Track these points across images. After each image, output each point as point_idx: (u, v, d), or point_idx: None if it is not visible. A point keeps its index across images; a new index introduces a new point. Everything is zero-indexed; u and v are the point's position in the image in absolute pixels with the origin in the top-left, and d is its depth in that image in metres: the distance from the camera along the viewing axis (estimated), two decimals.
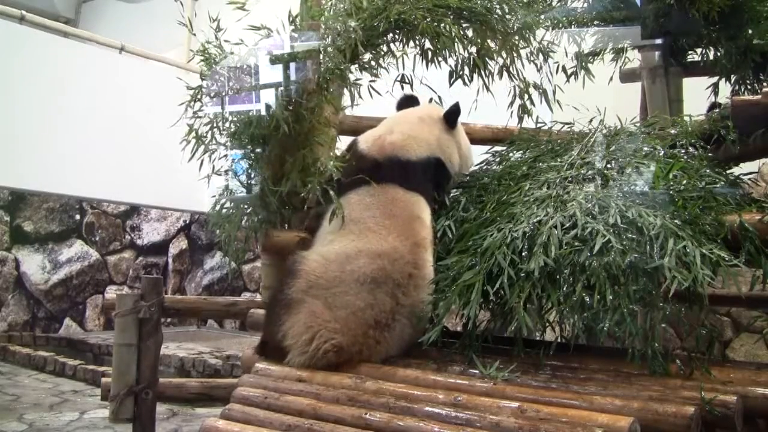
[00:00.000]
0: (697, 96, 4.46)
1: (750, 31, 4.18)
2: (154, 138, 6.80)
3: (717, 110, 3.65)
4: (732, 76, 4.32)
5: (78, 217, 10.39)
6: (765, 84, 4.12)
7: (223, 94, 3.87)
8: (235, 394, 3.19)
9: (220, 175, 3.92)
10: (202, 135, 3.82)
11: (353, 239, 3.29)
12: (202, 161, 3.82)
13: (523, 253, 2.77)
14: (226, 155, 3.88)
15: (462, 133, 3.90)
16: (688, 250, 2.61)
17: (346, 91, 3.92)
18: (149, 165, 7.17)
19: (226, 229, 3.88)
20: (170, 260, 11.04)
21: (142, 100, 7.24)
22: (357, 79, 3.97)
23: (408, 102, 3.99)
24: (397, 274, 3.17)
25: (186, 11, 4.11)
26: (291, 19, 3.85)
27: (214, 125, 3.83)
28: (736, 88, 4.30)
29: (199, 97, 3.87)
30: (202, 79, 3.88)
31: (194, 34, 4.04)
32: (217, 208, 3.91)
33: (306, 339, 3.14)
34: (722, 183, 3.11)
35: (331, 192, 3.41)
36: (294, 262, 3.35)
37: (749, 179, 3.42)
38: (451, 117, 3.78)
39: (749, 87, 4.25)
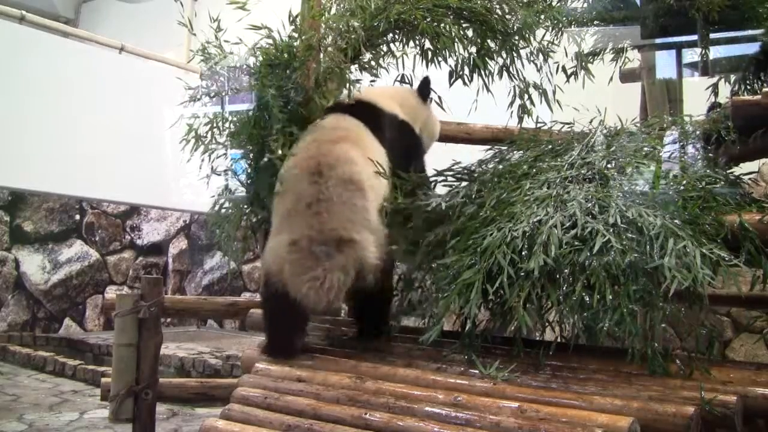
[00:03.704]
0: (698, 96, 4.46)
1: (750, 32, 4.17)
2: (153, 138, 6.82)
3: (717, 110, 3.65)
4: (732, 76, 4.31)
5: (78, 217, 10.39)
6: (765, 84, 4.11)
7: (223, 93, 3.88)
8: (234, 394, 3.19)
9: (219, 174, 3.92)
10: (201, 135, 3.81)
11: None
12: (201, 161, 3.82)
13: (523, 253, 2.76)
14: (225, 155, 3.88)
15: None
16: (688, 250, 2.60)
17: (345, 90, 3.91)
18: (149, 165, 7.16)
19: (225, 228, 3.88)
20: (170, 260, 11.03)
21: (141, 100, 7.24)
22: (357, 79, 3.97)
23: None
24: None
25: (186, 11, 4.10)
26: (291, 18, 3.85)
27: (214, 125, 3.83)
28: (736, 88, 4.30)
29: (198, 96, 3.87)
30: (202, 79, 3.88)
31: (194, 34, 4.04)
32: (217, 207, 3.91)
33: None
34: (722, 183, 3.11)
35: None
36: None
37: (749, 179, 3.41)
38: (425, 90, 4.14)
39: (749, 87, 4.25)
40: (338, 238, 3.14)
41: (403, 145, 3.83)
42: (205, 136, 3.82)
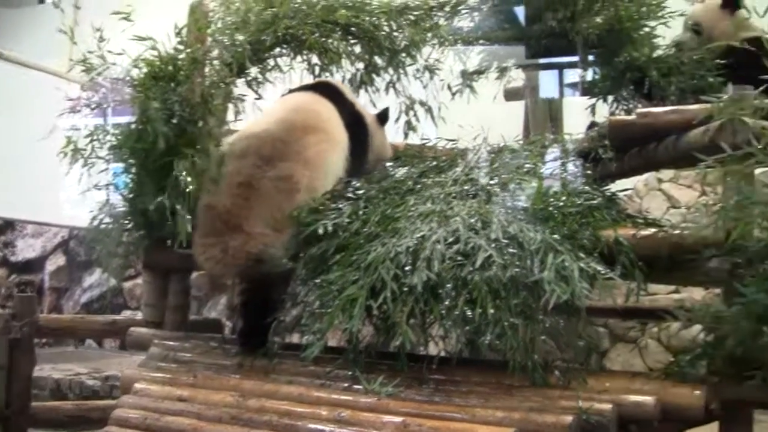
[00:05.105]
0: (578, 115, 4.59)
1: (626, 54, 4.32)
2: (30, 150, 6.55)
3: (595, 129, 3.76)
4: (609, 96, 4.46)
5: None
6: (639, 104, 4.26)
7: (105, 105, 3.77)
8: (113, 416, 3.14)
9: (100, 189, 3.81)
10: (81, 148, 3.70)
11: None
12: (81, 175, 3.70)
13: (407, 268, 2.78)
14: (106, 168, 3.78)
15: None
16: (566, 264, 2.69)
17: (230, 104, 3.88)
18: (25, 178, 6.90)
19: (105, 245, 3.78)
20: (46, 277, 10.65)
21: (17, 109, 6.97)
22: (242, 94, 3.95)
23: None
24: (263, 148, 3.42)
25: (67, 19, 3.98)
26: (177, 30, 3.78)
27: (94, 138, 3.72)
28: (614, 107, 4.44)
29: (79, 108, 3.75)
30: (83, 90, 3.77)
31: (75, 43, 3.93)
32: (97, 223, 3.80)
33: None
34: (599, 199, 3.21)
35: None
36: None
37: (625, 195, 3.53)
38: (384, 117, 4.09)
39: (626, 107, 4.40)
40: (238, 225, 3.25)
41: (360, 148, 3.88)
42: (85, 149, 3.70)
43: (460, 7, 4.49)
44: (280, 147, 3.42)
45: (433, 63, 4.17)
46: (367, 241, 3.01)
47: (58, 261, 10.61)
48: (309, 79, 4.13)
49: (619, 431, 2.55)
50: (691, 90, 3.97)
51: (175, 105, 3.59)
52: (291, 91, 3.96)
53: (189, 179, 3.38)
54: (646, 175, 6.09)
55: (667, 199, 6.42)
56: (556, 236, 2.84)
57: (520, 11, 4.66)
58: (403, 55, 4.10)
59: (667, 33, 4.39)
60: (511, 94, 5.20)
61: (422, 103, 4.06)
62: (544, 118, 5.04)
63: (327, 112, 3.70)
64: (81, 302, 10.28)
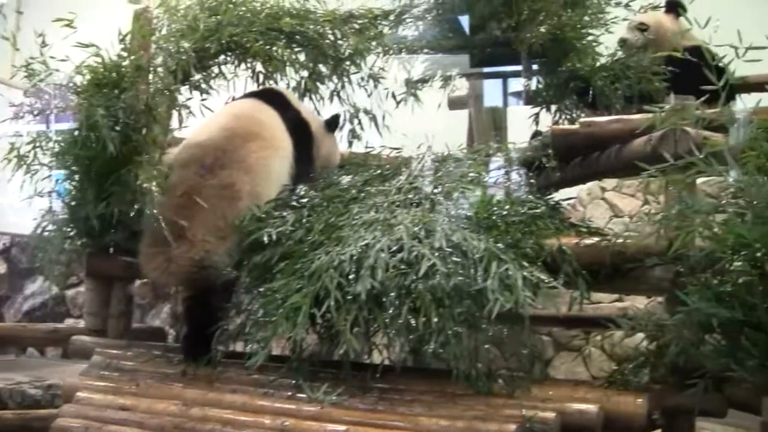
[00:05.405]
0: (522, 124, 4.63)
1: (570, 64, 4.38)
2: None
3: (539, 138, 3.80)
4: (553, 105, 4.50)
5: None
6: (583, 114, 4.31)
7: (48, 112, 3.71)
8: (54, 426, 3.10)
9: (43, 196, 3.75)
10: (23, 154, 3.63)
11: None
12: (23, 181, 3.64)
13: (351, 276, 2.78)
14: (49, 175, 3.72)
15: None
16: (510, 273, 2.70)
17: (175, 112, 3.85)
18: None
19: (48, 252, 3.72)
20: None
21: None
22: (188, 99, 3.92)
23: None
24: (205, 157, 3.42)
25: (9, 24, 3.90)
26: (121, 38, 3.74)
27: (37, 144, 3.66)
28: (557, 116, 4.49)
29: (21, 114, 3.69)
30: (26, 97, 3.70)
31: (18, 49, 3.86)
32: (39, 230, 3.74)
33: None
34: (543, 208, 3.24)
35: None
36: None
37: (568, 204, 3.57)
38: (333, 123, 4.07)
39: (569, 116, 4.45)
40: (181, 232, 3.24)
41: (305, 155, 3.86)
42: (28, 156, 3.64)
43: (404, 16, 4.52)
44: (221, 155, 3.41)
45: (377, 71, 4.19)
46: (311, 249, 3.01)
47: None
48: (253, 87, 4.12)
49: None
50: (638, 94, 4.04)
51: (120, 112, 3.55)
52: (235, 98, 3.95)
53: (154, 186, 3.35)
54: (589, 184, 6.15)
55: (610, 208, 6.49)
56: (499, 245, 2.85)
57: (464, 20, 4.68)
58: (348, 63, 4.12)
59: (611, 43, 4.47)
60: (455, 103, 5.22)
61: (366, 112, 4.08)
62: (488, 127, 5.06)
63: (269, 119, 3.69)
64: (22, 310, 10.07)
